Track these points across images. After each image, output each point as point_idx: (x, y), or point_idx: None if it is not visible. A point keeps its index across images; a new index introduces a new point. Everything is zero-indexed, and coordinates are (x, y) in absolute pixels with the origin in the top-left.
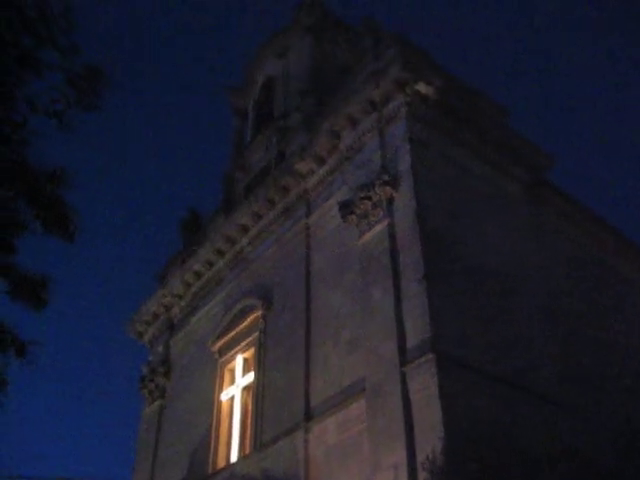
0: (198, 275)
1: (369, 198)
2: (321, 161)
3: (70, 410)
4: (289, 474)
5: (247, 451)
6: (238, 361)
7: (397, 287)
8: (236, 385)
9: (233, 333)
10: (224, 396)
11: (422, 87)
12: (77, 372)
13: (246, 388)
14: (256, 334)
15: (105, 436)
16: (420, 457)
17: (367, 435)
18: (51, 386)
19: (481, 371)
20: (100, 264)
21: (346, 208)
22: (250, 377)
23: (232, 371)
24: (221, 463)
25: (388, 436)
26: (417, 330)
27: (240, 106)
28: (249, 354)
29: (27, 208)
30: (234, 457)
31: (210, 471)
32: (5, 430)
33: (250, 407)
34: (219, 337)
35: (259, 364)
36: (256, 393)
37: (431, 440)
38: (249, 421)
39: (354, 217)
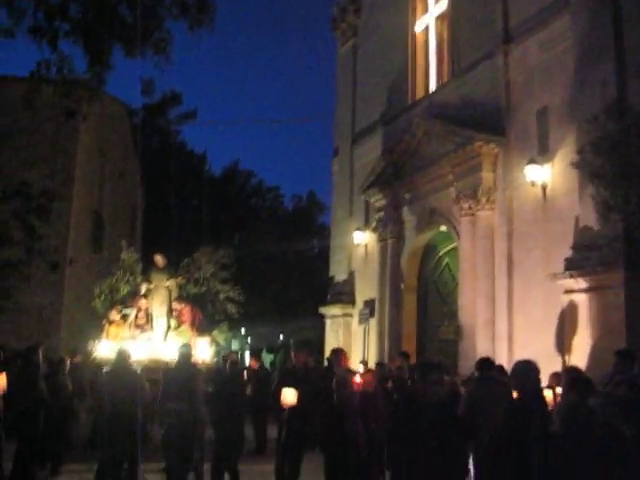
0: None
1: None
2: None
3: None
4: (489, 98)
5: (445, 80)
6: None
7: None
8: (429, 14)
9: None
10: (418, 27)
11: None
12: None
13: (440, 17)
14: None
15: (303, 78)
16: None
17: (572, 52)
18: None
19: None
20: None
21: None
22: (444, 4)
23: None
24: (420, 93)
25: (596, 51)
26: None
27: None
28: None
29: None
30: (432, 86)
31: (409, 102)
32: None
33: (445, 35)
34: None
35: None
36: (451, 20)
37: None
38: (445, 50)
39: None
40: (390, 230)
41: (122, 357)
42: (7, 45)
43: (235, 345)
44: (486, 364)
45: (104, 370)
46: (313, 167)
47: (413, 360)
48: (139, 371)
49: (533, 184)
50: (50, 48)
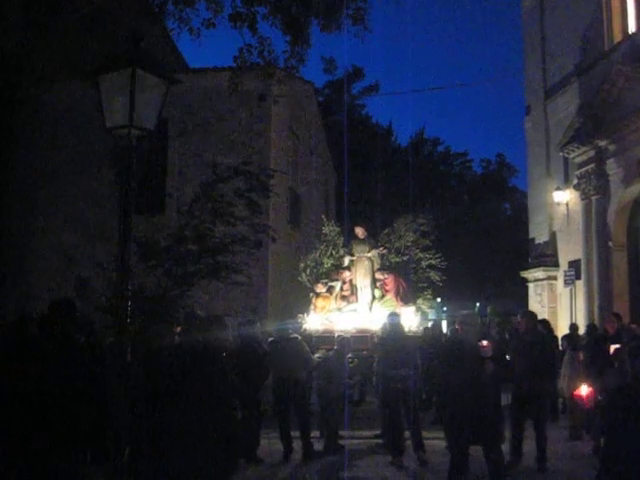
0: None
1: None
2: None
3: None
4: None
5: None
6: None
7: None
8: None
9: None
10: None
11: None
12: None
13: None
14: None
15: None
16: None
17: None
18: None
19: None
20: None
21: None
22: None
23: None
24: (617, 37)
25: None
26: None
27: None
28: None
29: None
30: (632, 27)
31: (606, 48)
32: None
33: None
34: None
35: None
36: None
37: None
38: None
39: None
40: (594, 186)
41: (283, 329)
42: (208, 36)
43: (432, 315)
44: None
45: (269, 340)
46: (500, 130)
47: (626, 321)
48: (300, 339)
49: None
50: (250, 32)
